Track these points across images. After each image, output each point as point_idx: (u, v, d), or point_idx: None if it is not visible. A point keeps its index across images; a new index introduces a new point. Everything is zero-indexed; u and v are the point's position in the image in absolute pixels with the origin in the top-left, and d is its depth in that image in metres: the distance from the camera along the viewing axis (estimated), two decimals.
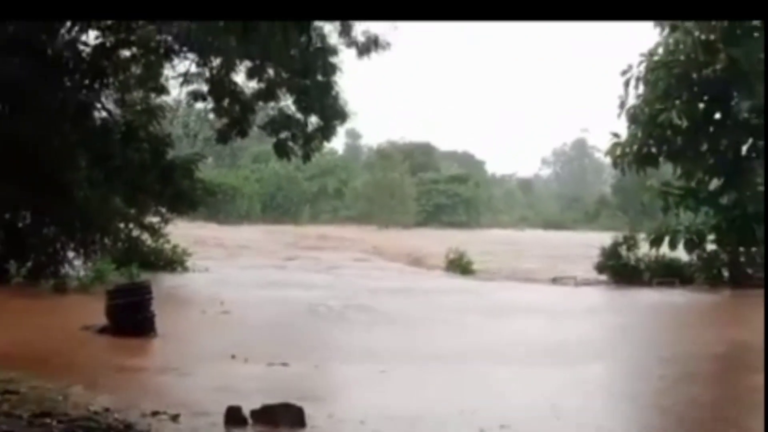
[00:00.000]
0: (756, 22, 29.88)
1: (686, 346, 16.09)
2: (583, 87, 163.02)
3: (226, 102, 25.59)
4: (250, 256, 39.54)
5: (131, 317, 14.45)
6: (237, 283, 25.15)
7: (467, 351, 14.61)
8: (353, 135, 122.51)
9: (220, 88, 25.46)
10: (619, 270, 30.29)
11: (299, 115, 26.04)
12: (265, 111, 26.71)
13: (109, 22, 22.60)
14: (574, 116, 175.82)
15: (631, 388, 12.57)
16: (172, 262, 27.89)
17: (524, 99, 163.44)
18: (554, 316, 20.25)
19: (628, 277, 29.76)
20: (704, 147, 30.84)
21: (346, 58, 25.39)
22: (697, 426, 10.06)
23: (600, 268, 30.79)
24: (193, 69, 25.50)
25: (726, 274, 30.35)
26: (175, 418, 8.64)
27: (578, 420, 9.60)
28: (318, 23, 21.56)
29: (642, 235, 31.51)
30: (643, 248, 30.90)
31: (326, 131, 26.46)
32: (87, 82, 23.57)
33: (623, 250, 30.78)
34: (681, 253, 30.65)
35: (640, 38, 31.76)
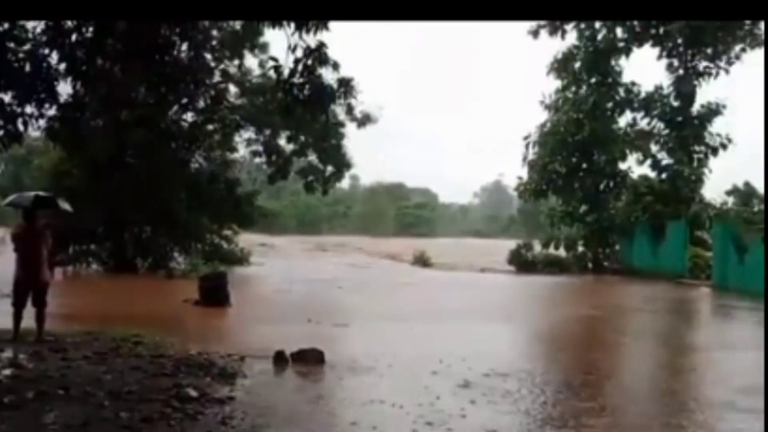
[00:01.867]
0: (609, 105, 30.16)
1: (561, 310, 16.12)
2: (499, 144, 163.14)
3: (273, 157, 25.74)
4: (290, 255, 39.30)
5: (215, 294, 14.38)
6: (282, 271, 25.01)
7: (426, 310, 14.55)
8: (354, 177, 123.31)
9: (270, 148, 25.63)
10: (521, 263, 30.27)
11: (320, 166, 26.21)
12: (299, 163, 26.86)
13: (200, 107, 22.74)
14: (494, 164, 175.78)
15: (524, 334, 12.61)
16: (240, 259, 27.66)
17: (463, 154, 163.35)
18: (480, 289, 20.21)
19: (527, 268, 29.76)
20: (576, 185, 31.06)
21: (349, 129, 25.65)
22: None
23: (510, 262, 30.73)
24: (253, 136, 25.73)
25: (590, 266, 30.47)
26: (242, 358, 8.61)
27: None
28: (332, 107, 21.60)
29: (536, 241, 31.56)
30: (537, 249, 30.93)
31: (338, 175, 26.64)
32: (186, 145, 23.64)
33: (524, 251, 30.79)
34: (561, 252, 30.70)
35: (536, 116, 31.94)
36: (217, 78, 22.24)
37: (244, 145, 25.79)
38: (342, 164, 26.10)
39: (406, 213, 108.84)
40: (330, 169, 26.16)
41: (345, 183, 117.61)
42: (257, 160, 27.16)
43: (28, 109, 8.35)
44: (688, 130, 28.80)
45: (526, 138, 31.72)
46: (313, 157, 26.03)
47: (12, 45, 7.86)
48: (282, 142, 25.86)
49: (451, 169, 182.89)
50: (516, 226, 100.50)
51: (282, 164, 25.72)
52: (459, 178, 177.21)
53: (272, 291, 18.33)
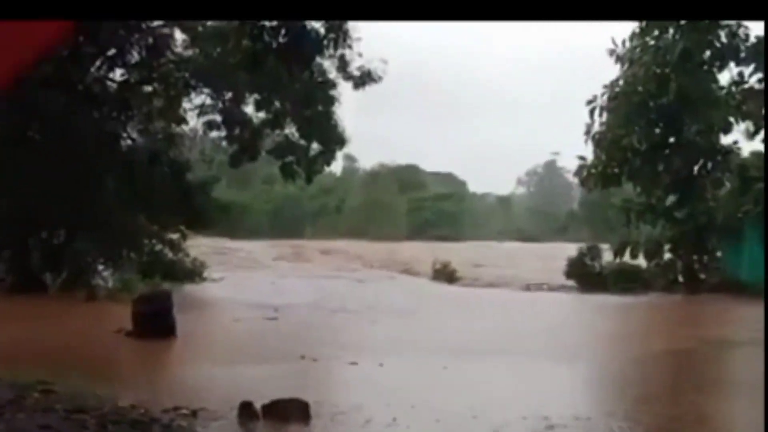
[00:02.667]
0: (705, 56, 30.07)
1: (642, 344, 15.96)
2: (553, 115, 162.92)
3: (237, 130, 25.70)
4: (261, 266, 39.39)
5: (154, 322, 14.36)
6: (247, 290, 25.02)
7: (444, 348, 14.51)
8: (350, 158, 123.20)
9: (232, 117, 25.61)
10: (585, 277, 30.22)
11: (302, 142, 26.15)
12: (272, 138, 26.79)
13: (133, 61, 22.76)
14: (545, 141, 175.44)
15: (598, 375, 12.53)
16: (191, 273, 27.67)
17: (501, 124, 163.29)
18: (527, 314, 20.16)
19: (593, 284, 29.69)
20: (660, 167, 30.88)
21: (343, 90, 25.57)
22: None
23: (569, 275, 30.71)
24: (208, 102, 25.70)
25: (681, 279, 30.36)
26: (194, 413, 8.55)
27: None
28: (318, 60, 21.68)
29: (606, 246, 31.47)
30: (607, 257, 30.87)
31: (326, 155, 26.59)
32: (114, 114, 23.63)
33: (588, 260, 30.74)
34: (641, 261, 30.60)
35: (603, 71, 31.67)
36: (156, 21, 22.14)
37: (195, 113, 25.71)
38: (332, 140, 26.03)
39: (422, 207, 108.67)
40: (316, 146, 26.11)
41: (337, 166, 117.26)
42: (214, 134, 27.11)
43: None
44: None
45: (590, 102, 31.55)
46: (292, 130, 25.96)
47: None
48: (249, 109, 25.80)
49: (484, 147, 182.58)
50: (576, 225, 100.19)
51: (249, 140, 25.65)
52: (496, 159, 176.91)
53: (236, 317, 18.29)
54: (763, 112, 29.24)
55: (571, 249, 32.12)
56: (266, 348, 13.93)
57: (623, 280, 29.70)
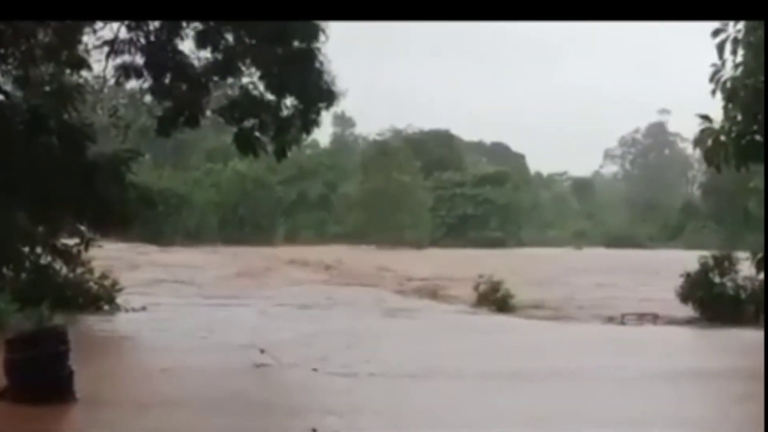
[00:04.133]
0: None
1: None
2: (661, 53, 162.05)
3: (168, 78, 25.60)
4: (209, 287, 39.47)
5: (40, 376, 14.29)
6: (179, 328, 25.06)
7: None
8: (344, 122, 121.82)
9: (161, 59, 25.52)
10: (711, 303, 30.07)
11: (270, 96, 26.02)
12: (223, 91, 26.70)
13: None
14: (648, 93, 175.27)
15: None
16: (98, 299, 27.77)
17: (579, 69, 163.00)
18: (634, 368, 20.01)
19: (724, 312, 29.56)
20: None
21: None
22: None
23: (685, 300, 30.57)
24: (123, 34, 25.60)
25: None
26: None
27: None
28: None
29: (745, 255, 31.29)
30: (745, 269, 30.67)
31: (307, 118, 26.42)
32: None
33: (716, 275, 30.57)
34: None
35: None
36: None
37: (101, 52, 25.66)
38: (316, 94, 25.94)
39: (457, 196, 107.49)
40: (291, 103, 26.03)
41: (324, 134, 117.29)
42: (132, 85, 27.09)
43: None
44: None
45: (718, 33, 31.33)
46: (253, 79, 25.90)
47: None
48: (187, 46, 25.73)
49: (552, 102, 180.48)
50: (696, 223, 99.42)
51: (187, 94, 25.61)
52: (572, 122, 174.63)
53: (162, 366, 18.29)
54: None
55: (690, 259, 31.92)
56: (213, 412, 13.89)
57: None
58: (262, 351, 19.80)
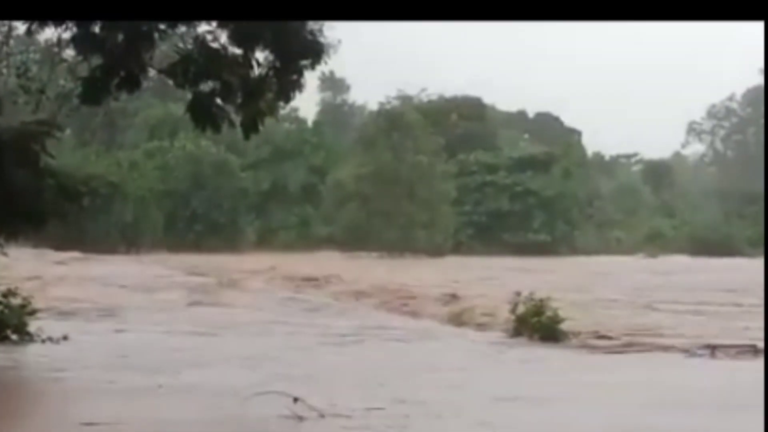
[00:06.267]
0: None
1: None
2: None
3: (97, 26, 25.68)
4: (144, 310, 39.59)
5: None
6: (106, 365, 25.11)
7: None
8: (335, 86, 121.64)
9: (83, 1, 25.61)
10: None
11: (235, 50, 26.06)
12: (172, 42, 26.76)
13: None
14: (746, 47, 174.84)
15: None
16: (2, 324, 27.85)
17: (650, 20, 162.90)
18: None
19: None
20: None
21: None
22: None
23: None
24: None
25: None
26: None
27: None
28: None
29: None
30: None
31: (286, 79, 26.46)
32: None
33: None
34: None
35: None
36: None
37: None
38: (298, 47, 26.03)
39: (490, 185, 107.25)
40: (264, 59, 26.10)
41: (309, 102, 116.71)
42: (48, 35, 27.20)
43: None
44: None
45: None
46: (211, 26, 25.98)
47: None
48: None
49: (615, 63, 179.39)
50: None
51: (122, 48, 25.69)
52: (641, 89, 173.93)
53: (84, 419, 18.36)
54: None
55: None
56: None
57: None
58: (295, 400, 20.03)
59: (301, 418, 18.68)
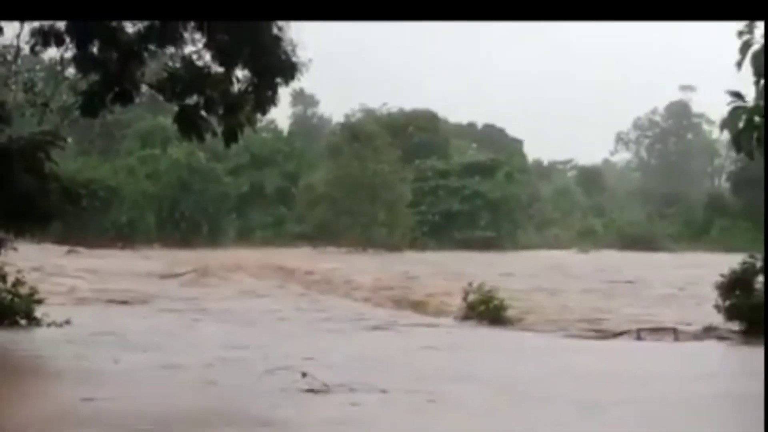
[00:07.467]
0: None
1: None
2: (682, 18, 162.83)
3: (95, 47, 25.52)
4: (138, 300, 39.42)
5: None
6: (111, 343, 24.97)
7: None
8: (307, 101, 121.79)
9: (83, 24, 25.43)
10: (748, 314, 30.07)
11: (217, 68, 25.95)
12: (161, 61, 26.61)
13: None
14: (667, 67, 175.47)
15: None
16: (11, 311, 27.64)
17: (587, 39, 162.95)
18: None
19: (761, 326, 29.57)
20: None
21: None
22: None
23: (730, 314, 30.47)
24: None
25: None
26: None
27: None
28: None
29: None
30: None
31: (262, 94, 26.36)
32: None
33: (760, 283, 30.51)
34: None
35: None
36: None
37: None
38: (274, 65, 25.92)
39: (442, 188, 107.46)
40: (243, 76, 25.98)
41: (283, 114, 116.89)
42: (52, 54, 27.02)
43: None
44: None
45: None
46: (197, 47, 25.85)
47: None
48: None
49: (552, 80, 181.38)
50: (725, 220, 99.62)
51: (118, 65, 25.55)
52: (577, 100, 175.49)
53: (83, 395, 18.18)
54: None
55: (727, 262, 31.87)
56: None
57: None
58: (303, 375, 19.88)
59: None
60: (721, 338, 29.82)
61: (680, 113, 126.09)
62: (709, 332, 30.33)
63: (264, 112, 27.42)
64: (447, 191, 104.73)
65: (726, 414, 18.45)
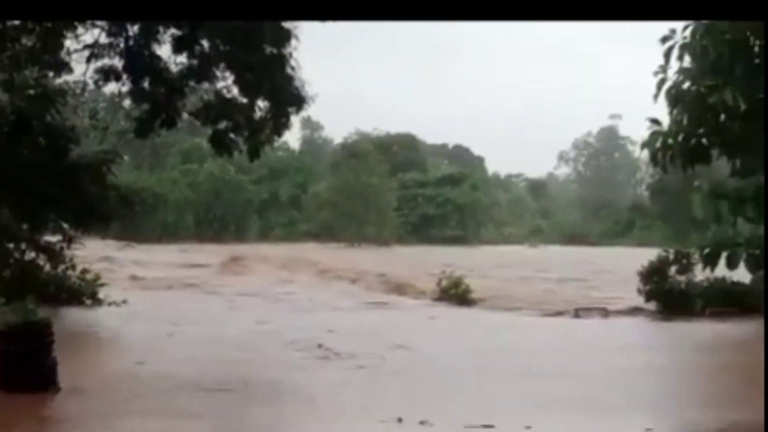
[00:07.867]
0: None
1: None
2: (611, 59, 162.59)
3: (146, 82, 25.43)
4: (177, 285, 39.28)
5: (25, 367, 14.17)
6: (159, 319, 24.94)
7: None
8: (313, 126, 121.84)
9: (139, 63, 25.34)
10: (663, 297, 30.10)
11: (243, 99, 25.89)
12: (198, 94, 26.55)
13: None
14: (599, 99, 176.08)
15: None
16: (79, 293, 27.52)
17: (534, 76, 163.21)
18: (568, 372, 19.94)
19: (674, 306, 29.58)
20: None
21: (304, 24, 25.38)
22: None
23: (650, 295, 30.49)
24: (104, 39, 25.38)
25: None
26: None
27: None
28: None
29: (696, 250, 31.16)
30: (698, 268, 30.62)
31: (278, 120, 26.33)
32: None
33: (673, 272, 30.52)
34: (744, 273, 30.30)
35: None
36: None
37: (84, 56, 25.46)
38: (287, 97, 25.84)
39: (420, 196, 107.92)
40: (263, 106, 25.92)
41: (294, 136, 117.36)
42: (112, 87, 26.90)
43: None
44: None
45: (666, 39, 31.36)
46: (227, 83, 25.77)
47: None
48: (164, 51, 25.55)
49: (509, 109, 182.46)
50: (645, 222, 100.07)
51: (164, 97, 25.45)
52: (528, 125, 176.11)
53: (139, 359, 18.10)
54: None
55: (646, 255, 31.92)
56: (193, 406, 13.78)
57: (718, 301, 29.60)
58: (319, 346, 19.87)
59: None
60: (640, 315, 29.92)
61: (609, 136, 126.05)
62: (633, 312, 30.37)
63: (280, 135, 27.54)
64: (425, 198, 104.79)
65: (637, 371, 18.42)
